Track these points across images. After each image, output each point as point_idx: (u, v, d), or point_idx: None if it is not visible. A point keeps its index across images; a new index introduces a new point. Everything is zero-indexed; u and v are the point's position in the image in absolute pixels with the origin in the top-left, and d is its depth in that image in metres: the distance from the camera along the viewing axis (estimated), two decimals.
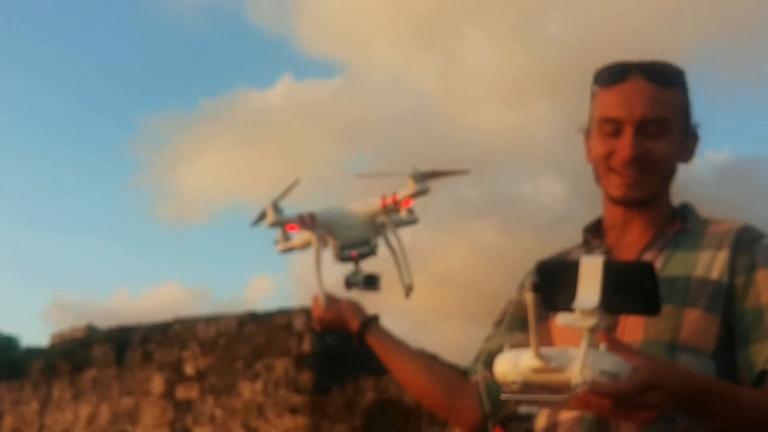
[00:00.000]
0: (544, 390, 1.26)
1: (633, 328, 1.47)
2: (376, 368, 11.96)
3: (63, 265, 29.30)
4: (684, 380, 1.31)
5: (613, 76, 1.57)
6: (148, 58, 29.97)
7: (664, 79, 1.55)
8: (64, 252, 28.63)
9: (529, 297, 1.21)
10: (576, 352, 1.23)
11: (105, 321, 13.35)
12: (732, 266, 1.51)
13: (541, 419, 1.60)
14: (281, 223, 1.83)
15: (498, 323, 1.78)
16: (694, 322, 1.46)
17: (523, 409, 1.39)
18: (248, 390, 11.09)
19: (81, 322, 13.58)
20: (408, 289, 1.87)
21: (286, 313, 11.07)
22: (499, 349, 1.64)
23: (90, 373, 12.53)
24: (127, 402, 12.03)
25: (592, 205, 1.69)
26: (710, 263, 1.51)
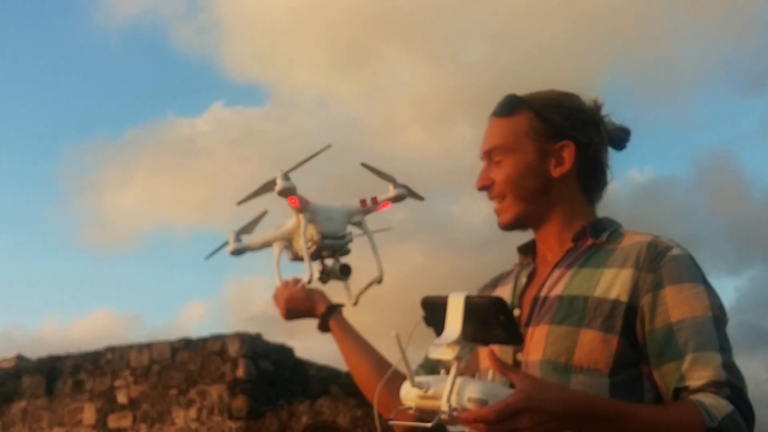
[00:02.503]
0: (429, 415, 1.33)
1: (535, 348, 1.52)
2: (310, 392, 11.87)
3: None
4: (565, 402, 1.33)
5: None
6: (71, 86, 29.54)
7: (503, 110, 1.67)
8: None
9: (393, 333, 1.33)
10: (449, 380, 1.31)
11: (34, 351, 13.10)
12: (636, 285, 1.51)
13: None
14: (290, 191, 1.91)
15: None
16: (590, 343, 1.48)
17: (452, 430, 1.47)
18: (182, 417, 11.02)
19: (10, 353, 13.32)
20: (379, 280, 2.01)
21: (220, 339, 11.06)
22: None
23: (19, 405, 12.30)
24: None
25: None
26: (611, 282, 1.52)
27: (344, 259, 2.02)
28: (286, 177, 1.91)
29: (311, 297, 1.95)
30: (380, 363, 1.84)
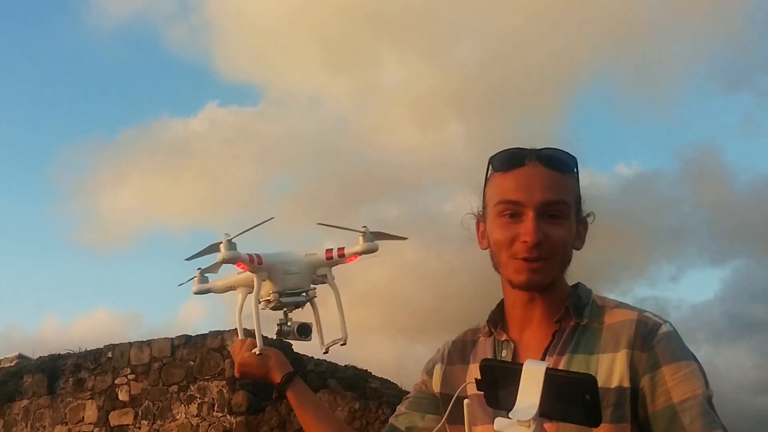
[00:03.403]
0: None
1: None
2: (308, 386, 12.07)
3: None
4: None
5: (510, 161, 1.56)
6: (65, 87, 29.55)
7: (560, 165, 1.55)
8: None
9: (466, 401, 1.26)
10: None
11: (34, 351, 13.18)
12: (633, 367, 1.48)
13: None
14: (233, 260, 1.81)
15: (409, 401, 1.77)
16: None
17: None
18: (183, 413, 11.08)
19: (10, 353, 13.39)
20: (343, 342, 1.91)
21: (219, 335, 11.11)
22: (408, 429, 1.72)
23: (21, 404, 12.36)
24: (60, 431, 11.90)
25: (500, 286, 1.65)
26: (609, 369, 1.49)
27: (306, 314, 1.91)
28: (230, 244, 1.80)
29: (265, 364, 1.88)
30: None
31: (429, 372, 1.75)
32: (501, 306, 1.67)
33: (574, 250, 1.60)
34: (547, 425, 1.28)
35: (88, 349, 12.20)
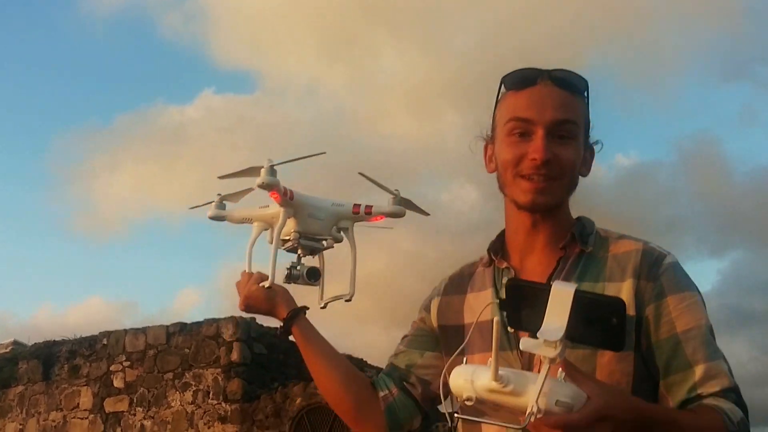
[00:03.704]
0: (497, 410, 1.25)
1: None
2: (304, 374, 11.92)
3: None
4: (633, 410, 1.31)
5: (523, 80, 1.56)
6: (61, 74, 29.46)
7: (572, 87, 1.55)
8: None
9: (495, 318, 1.21)
10: (534, 378, 1.21)
11: (29, 339, 13.17)
12: (638, 295, 1.49)
13: None
14: (271, 186, 1.77)
15: (407, 339, 1.77)
16: (608, 364, 1.46)
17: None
18: (178, 400, 11.11)
19: (5, 340, 13.39)
20: (348, 299, 1.88)
21: (214, 323, 11.12)
22: (408, 367, 1.72)
23: (16, 390, 12.37)
24: (55, 417, 11.95)
25: (503, 212, 1.66)
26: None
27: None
28: (271, 170, 1.76)
29: (272, 298, 1.82)
30: (347, 373, 1.77)
31: (426, 308, 1.74)
32: (501, 236, 1.66)
33: (580, 178, 1.60)
34: None
35: (83, 336, 12.21)
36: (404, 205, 1.88)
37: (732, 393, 1.47)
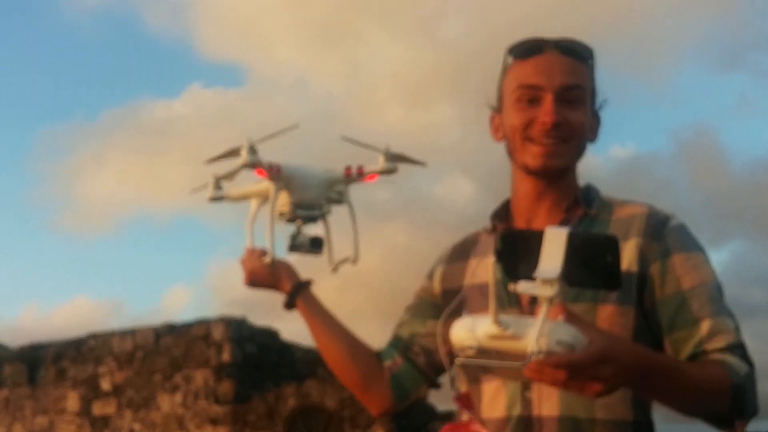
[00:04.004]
0: (499, 357, 1.25)
1: None
2: (297, 375, 11.86)
3: None
4: (635, 354, 1.32)
5: (530, 48, 1.61)
6: (45, 69, 29.21)
7: (578, 54, 1.60)
8: None
9: (490, 262, 1.24)
10: (533, 321, 1.22)
11: (14, 340, 12.99)
12: (643, 254, 1.53)
13: (464, 414, 1.58)
14: (254, 165, 1.81)
15: (410, 308, 1.80)
16: (609, 318, 1.49)
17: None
18: (167, 403, 10.96)
19: None
20: (354, 261, 1.90)
21: (204, 324, 10.97)
22: (411, 336, 1.75)
23: (1, 394, 12.19)
24: (41, 421, 11.76)
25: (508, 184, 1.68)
26: None
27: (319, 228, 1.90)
28: (251, 149, 1.79)
29: (276, 272, 1.85)
30: (353, 344, 1.80)
31: (430, 275, 1.78)
32: (506, 204, 1.69)
33: (587, 143, 1.63)
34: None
35: (69, 338, 12.05)
36: (396, 160, 1.86)
37: (738, 348, 1.49)
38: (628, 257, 1.52)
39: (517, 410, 1.53)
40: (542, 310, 1.22)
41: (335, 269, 1.91)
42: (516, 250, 1.28)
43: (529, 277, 1.24)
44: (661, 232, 1.55)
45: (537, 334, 1.20)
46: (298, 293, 1.82)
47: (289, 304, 1.83)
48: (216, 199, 1.99)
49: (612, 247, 1.24)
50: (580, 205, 1.60)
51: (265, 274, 1.85)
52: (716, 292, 1.53)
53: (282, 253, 1.88)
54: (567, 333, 1.22)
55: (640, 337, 1.51)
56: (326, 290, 1.89)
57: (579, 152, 1.62)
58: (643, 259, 1.52)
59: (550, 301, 1.22)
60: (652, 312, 1.52)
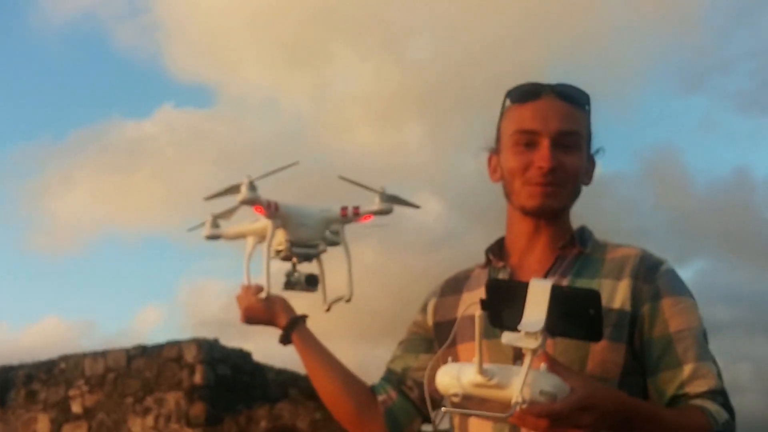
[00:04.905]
0: (483, 404, 1.29)
1: (542, 359, 1.47)
2: (269, 396, 11.79)
3: None
4: (615, 401, 1.36)
5: (527, 93, 1.64)
6: (10, 89, 28.96)
7: (575, 99, 1.64)
8: None
9: (477, 313, 1.27)
10: (517, 370, 1.26)
11: None
12: (635, 295, 1.56)
13: None
14: (253, 201, 1.83)
15: (403, 343, 1.82)
16: (600, 353, 1.52)
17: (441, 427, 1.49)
18: (138, 426, 10.85)
19: None
20: (347, 300, 1.93)
21: (176, 345, 10.91)
22: (404, 370, 1.78)
23: None
24: None
25: (470, 223, 1.75)
26: (612, 292, 1.56)
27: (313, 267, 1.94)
28: (251, 186, 1.82)
29: (271, 308, 1.88)
30: (348, 379, 1.81)
31: (423, 309, 1.80)
32: (500, 241, 1.72)
33: (582, 186, 1.68)
34: (547, 344, 1.31)
35: (40, 360, 11.92)
36: (391, 201, 1.92)
37: (720, 395, 1.52)
38: (622, 296, 1.56)
39: None
40: (526, 361, 1.26)
41: (329, 308, 1.95)
42: (501, 300, 1.32)
43: (514, 325, 1.28)
44: (653, 276, 1.58)
45: (521, 384, 1.24)
46: (293, 328, 1.85)
47: (285, 339, 1.86)
48: (213, 237, 2.02)
49: (594, 300, 1.28)
50: (576, 244, 1.63)
51: (261, 310, 1.88)
52: (702, 337, 1.57)
53: (278, 290, 1.91)
54: (549, 383, 1.26)
55: (628, 374, 1.54)
56: (297, 309, 1.92)
57: (574, 195, 1.65)
58: (635, 299, 1.56)
59: (534, 352, 1.27)
60: (641, 352, 1.56)
